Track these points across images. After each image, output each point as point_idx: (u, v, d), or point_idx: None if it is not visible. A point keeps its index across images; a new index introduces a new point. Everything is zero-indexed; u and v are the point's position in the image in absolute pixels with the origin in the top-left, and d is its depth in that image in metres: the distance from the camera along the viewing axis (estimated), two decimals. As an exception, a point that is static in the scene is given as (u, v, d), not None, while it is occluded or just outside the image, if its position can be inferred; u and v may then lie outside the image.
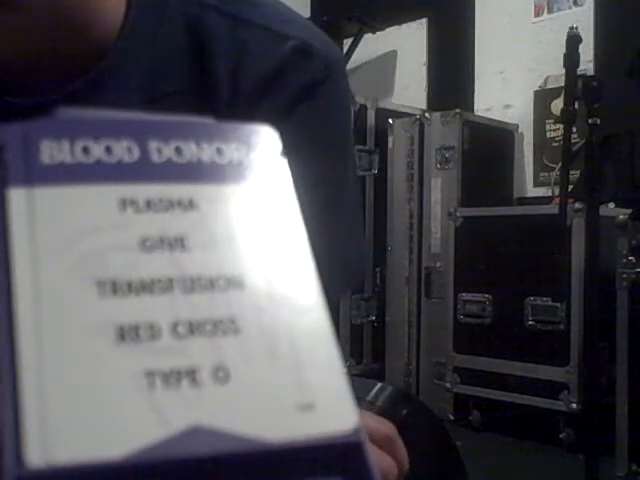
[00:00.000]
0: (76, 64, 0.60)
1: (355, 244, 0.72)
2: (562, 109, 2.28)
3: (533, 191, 4.41)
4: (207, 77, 0.62)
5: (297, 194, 0.26)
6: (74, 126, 0.25)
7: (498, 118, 4.38)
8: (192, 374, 0.22)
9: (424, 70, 5.00)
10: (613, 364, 2.68)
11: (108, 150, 0.24)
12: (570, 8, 4.35)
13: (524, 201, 4.27)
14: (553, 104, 4.32)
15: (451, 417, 3.57)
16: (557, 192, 2.87)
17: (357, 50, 4.62)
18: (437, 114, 3.97)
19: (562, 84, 2.39)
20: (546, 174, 4.33)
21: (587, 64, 3.83)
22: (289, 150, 0.63)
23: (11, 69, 0.59)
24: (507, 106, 4.56)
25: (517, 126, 4.41)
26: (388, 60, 5.10)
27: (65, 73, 0.60)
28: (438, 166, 3.90)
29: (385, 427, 0.56)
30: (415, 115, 4.06)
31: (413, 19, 5.02)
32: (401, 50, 5.08)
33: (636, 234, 2.66)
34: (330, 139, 0.68)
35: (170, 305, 0.23)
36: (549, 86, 4.36)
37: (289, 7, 0.69)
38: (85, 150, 0.24)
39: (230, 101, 0.62)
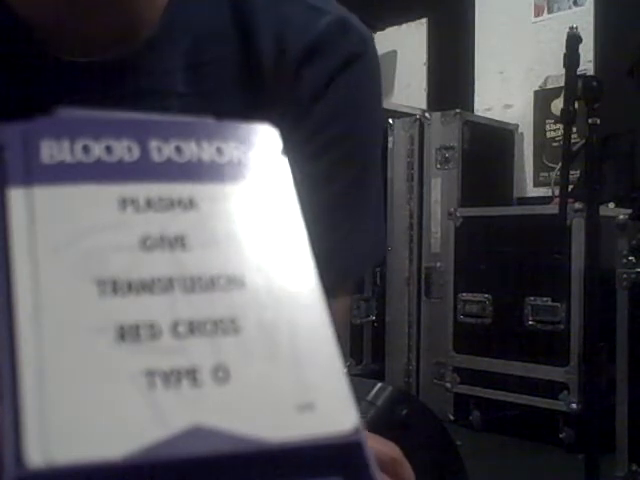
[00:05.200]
0: (128, 26, 0.61)
1: (382, 214, 0.73)
2: (562, 109, 2.28)
3: (533, 191, 4.41)
4: (250, 47, 0.64)
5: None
6: (74, 125, 0.24)
7: (498, 118, 4.38)
8: (192, 374, 0.22)
9: (424, 70, 5.00)
10: (613, 364, 2.67)
11: (108, 149, 0.24)
12: (570, 8, 4.35)
13: (524, 201, 4.28)
14: (553, 104, 4.32)
15: (451, 417, 3.57)
16: (557, 192, 2.87)
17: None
18: (437, 114, 3.97)
19: (562, 84, 2.39)
20: (546, 174, 4.33)
21: (587, 64, 3.83)
22: (329, 120, 0.64)
23: (64, 26, 0.60)
24: (507, 106, 4.56)
25: (517, 126, 4.41)
26: (388, 60, 5.10)
27: (118, 34, 0.61)
28: (438, 166, 3.90)
29: (390, 450, 0.55)
30: (415, 115, 4.06)
31: (413, 19, 5.02)
32: (401, 50, 5.08)
33: (636, 234, 2.66)
34: (366, 112, 0.69)
35: (170, 305, 0.23)
36: (549, 86, 4.36)
37: None
38: (85, 149, 0.24)
39: (273, 71, 0.63)
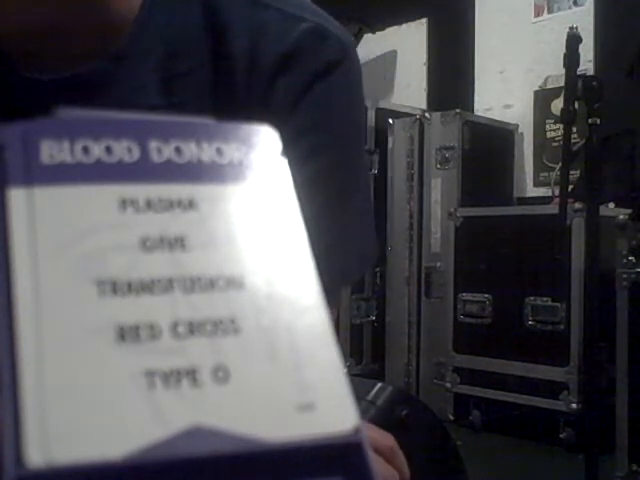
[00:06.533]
0: (94, 41, 0.60)
1: (370, 222, 0.72)
2: (562, 109, 2.28)
3: (533, 191, 4.41)
4: (223, 55, 0.63)
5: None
6: (74, 126, 0.25)
7: (498, 118, 4.38)
8: (192, 374, 0.22)
9: (424, 70, 5.00)
10: (613, 364, 2.68)
11: (108, 150, 0.24)
12: (570, 8, 4.35)
13: (524, 201, 4.28)
14: (553, 104, 4.32)
15: (451, 417, 3.57)
16: (557, 192, 2.87)
17: (357, 50, 4.62)
18: (437, 114, 3.97)
19: (562, 84, 2.39)
20: (546, 174, 4.33)
21: (587, 64, 3.83)
22: (306, 130, 0.63)
23: (28, 44, 0.59)
24: (507, 106, 4.56)
25: (517, 126, 4.41)
26: (388, 60, 5.10)
27: (84, 49, 0.60)
28: (438, 166, 3.90)
29: (387, 439, 0.58)
30: (415, 115, 4.06)
31: (413, 19, 5.02)
32: (401, 50, 5.08)
33: (636, 234, 2.66)
34: (346, 120, 0.68)
35: (170, 305, 0.23)
36: (549, 86, 4.36)
37: None
38: (85, 150, 0.24)
39: (247, 79, 0.63)
